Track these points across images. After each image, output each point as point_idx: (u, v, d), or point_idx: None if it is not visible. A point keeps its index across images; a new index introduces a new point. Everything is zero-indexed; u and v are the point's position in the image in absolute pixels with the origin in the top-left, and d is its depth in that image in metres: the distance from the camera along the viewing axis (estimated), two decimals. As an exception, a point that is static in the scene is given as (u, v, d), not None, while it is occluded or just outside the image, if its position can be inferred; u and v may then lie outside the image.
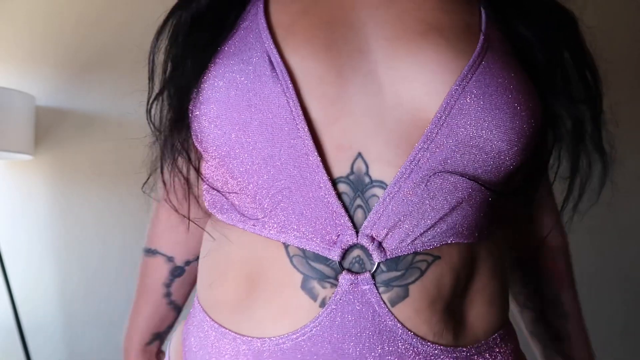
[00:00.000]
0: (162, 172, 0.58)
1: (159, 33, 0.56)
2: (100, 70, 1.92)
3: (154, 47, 0.56)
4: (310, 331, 0.46)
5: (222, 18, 0.52)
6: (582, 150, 0.52)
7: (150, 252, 0.68)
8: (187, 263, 0.67)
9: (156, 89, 0.58)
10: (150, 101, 0.56)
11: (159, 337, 0.69)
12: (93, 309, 1.90)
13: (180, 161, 0.55)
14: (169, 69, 0.54)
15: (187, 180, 0.54)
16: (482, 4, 0.52)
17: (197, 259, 0.62)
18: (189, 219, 0.56)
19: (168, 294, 0.67)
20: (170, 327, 0.70)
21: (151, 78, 0.57)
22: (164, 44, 0.56)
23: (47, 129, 1.91)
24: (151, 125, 0.57)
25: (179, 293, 0.68)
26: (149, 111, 0.57)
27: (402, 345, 0.46)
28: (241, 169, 0.48)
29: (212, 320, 0.52)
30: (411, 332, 0.46)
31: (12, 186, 1.91)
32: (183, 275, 0.67)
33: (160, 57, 0.57)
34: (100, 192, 1.91)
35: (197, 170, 0.54)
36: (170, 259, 0.66)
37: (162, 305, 0.67)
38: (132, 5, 1.94)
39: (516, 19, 0.52)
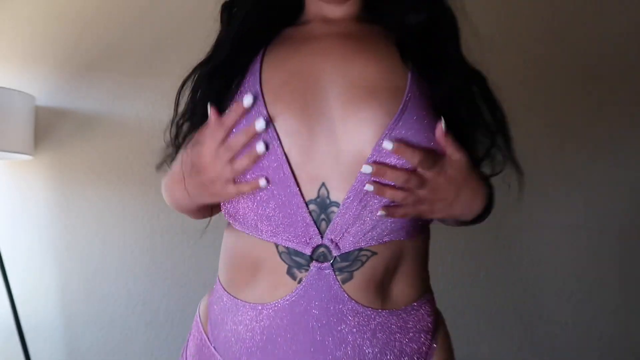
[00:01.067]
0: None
1: (184, 82, 0.78)
2: (100, 70, 1.92)
3: (179, 91, 0.78)
4: (291, 298, 0.71)
5: (231, 75, 0.75)
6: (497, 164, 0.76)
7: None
8: None
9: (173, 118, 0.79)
10: (171, 126, 0.78)
11: None
12: (93, 309, 1.90)
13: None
14: (190, 109, 0.77)
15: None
16: (410, 69, 0.73)
17: None
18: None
19: None
20: None
21: (175, 110, 0.78)
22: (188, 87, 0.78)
23: (47, 129, 1.91)
24: (170, 141, 0.78)
25: None
26: (169, 131, 0.78)
27: (347, 308, 0.71)
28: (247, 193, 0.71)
29: (229, 293, 0.77)
30: (354, 300, 0.71)
31: (12, 186, 1.91)
32: None
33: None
34: (99, 192, 1.91)
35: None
36: None
37: None
38: (132, 5, 1.94)
39: (440, 77, 0.73)
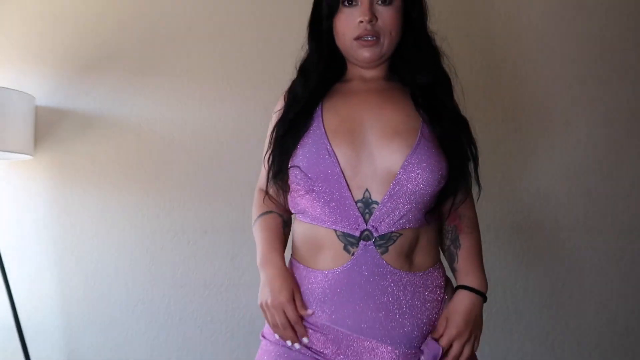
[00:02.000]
0: (267, 191, 1.20)
1: (275, 126, 1.15)
2: (100, 70, 1.92)
3: (272, 130, 1.15)
4: (348, 266, 1.06)
5: (304, 119, 1.12)
6: (469, 182, 1.15)
7: (267, 212, 1.20)
8: (287, 222, 1.22)
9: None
10: (267, 155, 1.15)
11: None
12: (92, 308, 1.90)
13: (280, 184, 1.16)
14: (280, 142, 1.13)
15: (283, 191, 1.18)
16: (421, 116, 1.11)
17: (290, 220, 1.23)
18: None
19: (284, 227, 1.21)
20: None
21: (270, 142, 1.15)
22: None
23: (46, 129, 1.91)
24: (266, 166, 1.16)
25: (286, 232, 1.22)
26: (264, 159, 1.16)
27: (386, 270, 1.06)
28: (314, 196, 1.08)
29: (303, 265, 1.12)
30: (390, 265, 1.06)
31: (12, 186, 1.91)
32: (287, 228, 1.22)
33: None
34: (99, 192, 1.91)
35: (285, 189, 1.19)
36: (280, 215, 1.21)
37: (281, 229, 1.20)
38: (131, 5, 1.94)
39: (439, 122, 1.11)
